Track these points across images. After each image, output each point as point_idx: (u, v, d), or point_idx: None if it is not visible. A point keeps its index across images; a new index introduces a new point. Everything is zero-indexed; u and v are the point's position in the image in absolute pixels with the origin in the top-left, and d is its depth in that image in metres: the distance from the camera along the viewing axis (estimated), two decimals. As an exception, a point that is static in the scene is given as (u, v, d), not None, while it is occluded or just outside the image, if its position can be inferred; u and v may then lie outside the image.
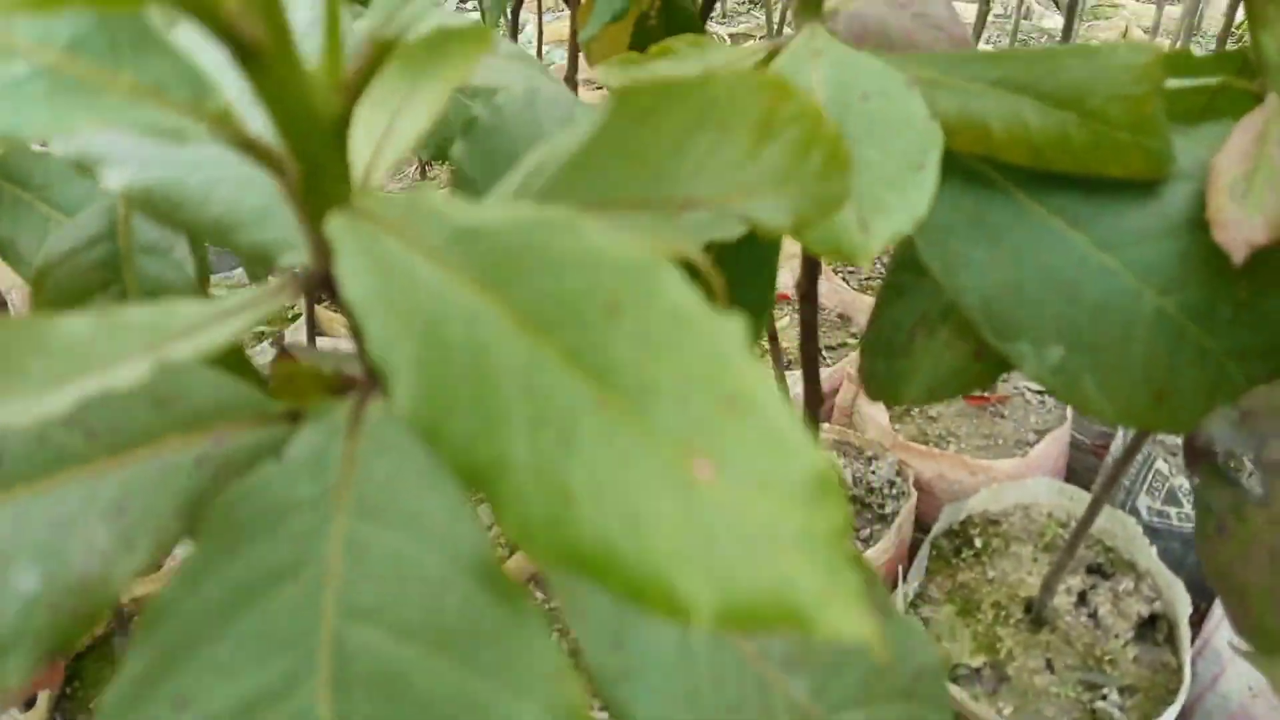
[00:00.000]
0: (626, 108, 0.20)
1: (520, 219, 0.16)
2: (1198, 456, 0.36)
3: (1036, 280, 0.36)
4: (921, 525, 0.93)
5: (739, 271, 0.32)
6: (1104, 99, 0.33)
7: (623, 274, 0.15)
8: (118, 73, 0.19)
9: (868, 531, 0.90)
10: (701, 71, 0.20)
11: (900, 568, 0.84)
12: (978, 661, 0.79)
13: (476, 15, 1.25)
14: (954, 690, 0.75)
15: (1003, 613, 0.81)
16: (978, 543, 0.87)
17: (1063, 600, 0.81)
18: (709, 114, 0.20)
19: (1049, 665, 0.78)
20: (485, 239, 0.16)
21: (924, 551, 0.85)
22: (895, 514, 0.90)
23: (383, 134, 0.21)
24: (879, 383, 0.40)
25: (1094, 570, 0.84)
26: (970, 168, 0.37)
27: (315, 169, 0.19)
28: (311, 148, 0.19)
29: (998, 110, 0.35)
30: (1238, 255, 0.31)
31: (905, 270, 0.42)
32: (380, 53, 0.19)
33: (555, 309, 0.15)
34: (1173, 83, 0.37)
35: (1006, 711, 0.76)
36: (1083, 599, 0.81)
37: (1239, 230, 0.31)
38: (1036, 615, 0.80)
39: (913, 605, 0.83)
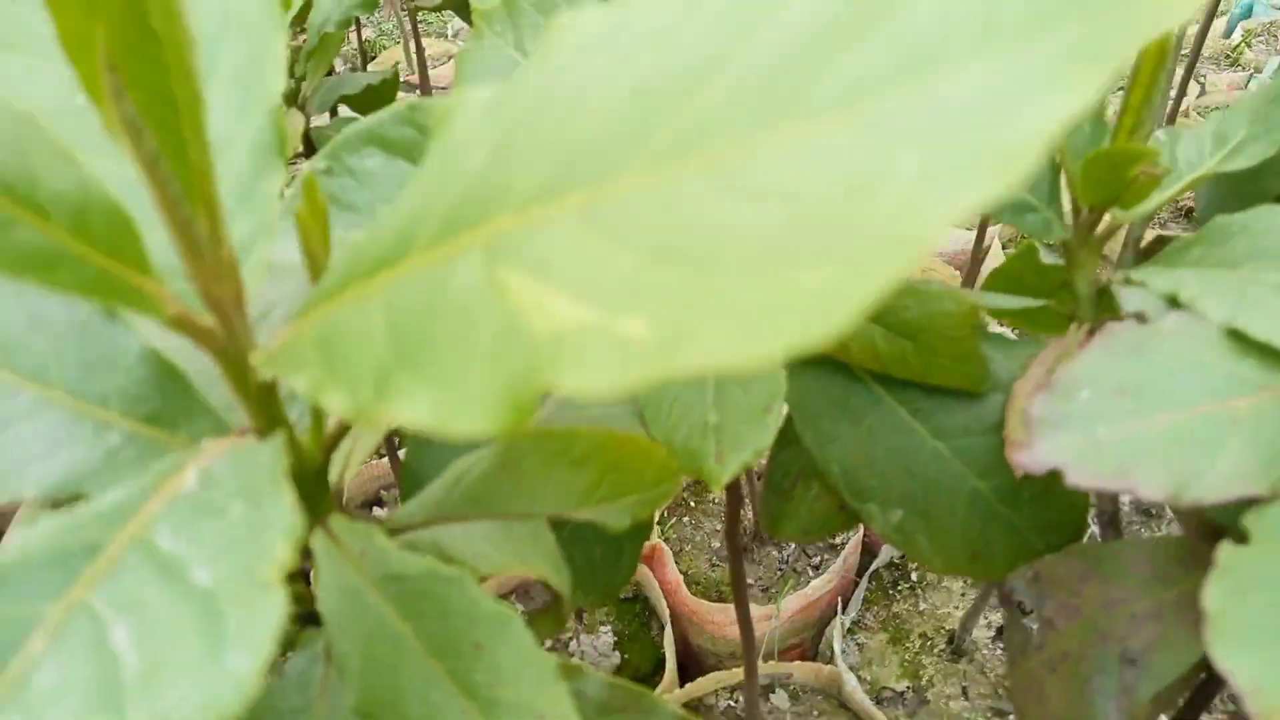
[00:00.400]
0: (513, 446, 0.30)
1: (428, 570, 0.26)
2: (1005, 600, 0.46)
3: (885, 457, 0.45)
4: (870, 552, 1.03)
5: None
6: (933, 335, 0.42)
7: (487, 622, 0.25)
8: (176, 431, 0.29)
9: (819, 559, 1.00)
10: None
11: (840, 598, 0.94)
12: (901, 686, 0.89)
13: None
14: (878, 710, 0.86)
15: (928, 642, 0.92)
16: (914, 576, 0.97)
17: (982, 633, 0.91)
18: (567, 455, 0.30)
19: (964, 692, 0.88)
20: (407, 581, 0.26)
21: (863, 583, 0.95)
22: (845, 543, 1.00)
23: (349, 452, 0.31)
24: (768, 518, 0.50)
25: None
26: (840, 363, 0.46)
27: (306, 496, 0.29)
28: (303, 486, 0.28)
29: (854, 331, 0.44)
30: (1018, 473, 0.41)
31: (792, 421, 0.51)
32: (348, 426, 0.28)
33: (445, 643, 0.25)
34: (1012, 300, 0.46)
35: (923, 731, 0.86)
36: (1000, 633, 0.91)
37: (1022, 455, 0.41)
38: (956, 647, 0.90)
39: (849, 632, 0.93)
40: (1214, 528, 0.38)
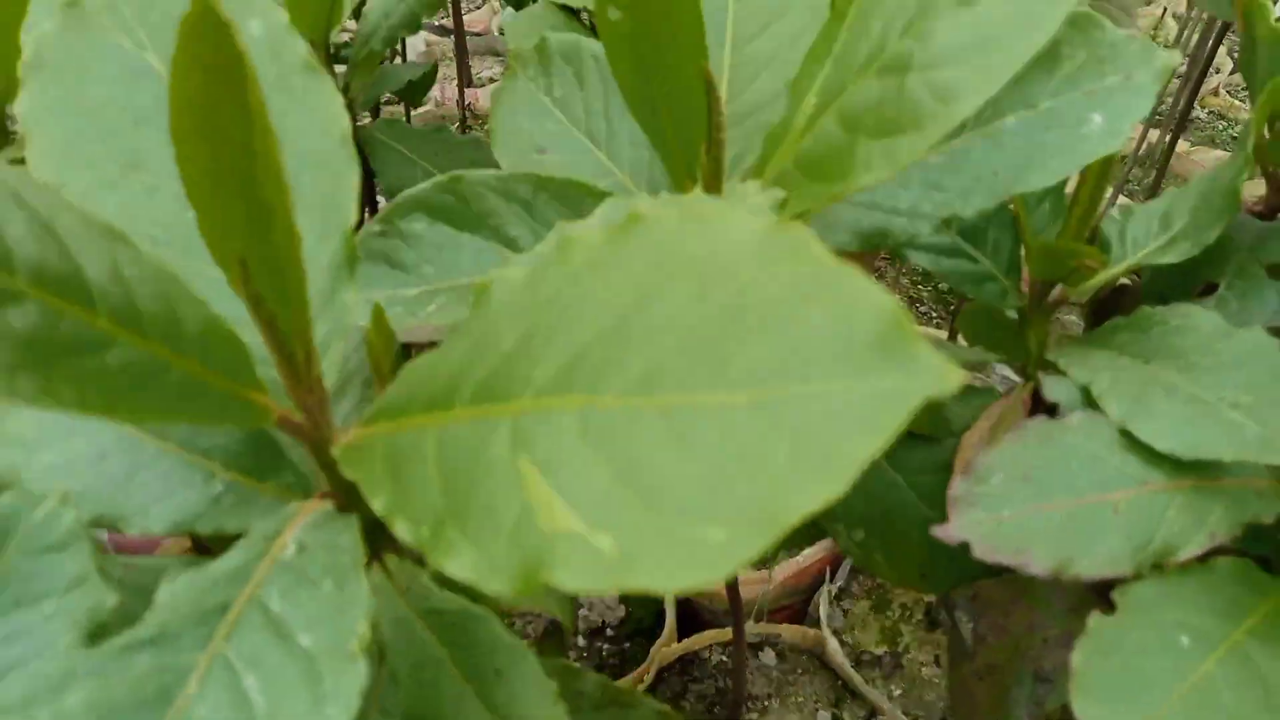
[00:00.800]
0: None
1: (461, 608, 0.34)
2: (948, 611, 0.53)
3: (851, 484, 0.52)
4: (862, 523, 1.10)
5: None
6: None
7: (506, 652, 0.33)
8: (264, 480, 0.36)
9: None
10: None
11: (828, 567, 1.02)
12: (880, 650, 0.98)
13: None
14: (856, 672, 0.95)
15: (907, 612, 1.00)
16: (900, 549, 1.04)
17: (958, 607, 0.99)
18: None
19: (936, 660, 0.97)
20: (445, 616, 0.34)
21: (852, 555, 1.03)
22: (838, 515, 1.07)
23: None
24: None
25: (990, 583, 1.01)
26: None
27: (368, 536, 0.36)
28: (366, 528, 0.36)
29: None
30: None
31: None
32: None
33: (473, 667, 0.33)
34: (970, 354, 0.52)
35: (896, 693, 0.95)
36: (975, 607, 0.99)
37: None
38: (933, 618, 0.98)
39: (836, 599, 1.01)
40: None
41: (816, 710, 0.94)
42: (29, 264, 0.24)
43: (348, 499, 0.33)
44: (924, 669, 0.96)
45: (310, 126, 0.34)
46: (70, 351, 0.24)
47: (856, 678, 0.94)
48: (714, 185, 0.46)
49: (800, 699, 0.96)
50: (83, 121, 0.34)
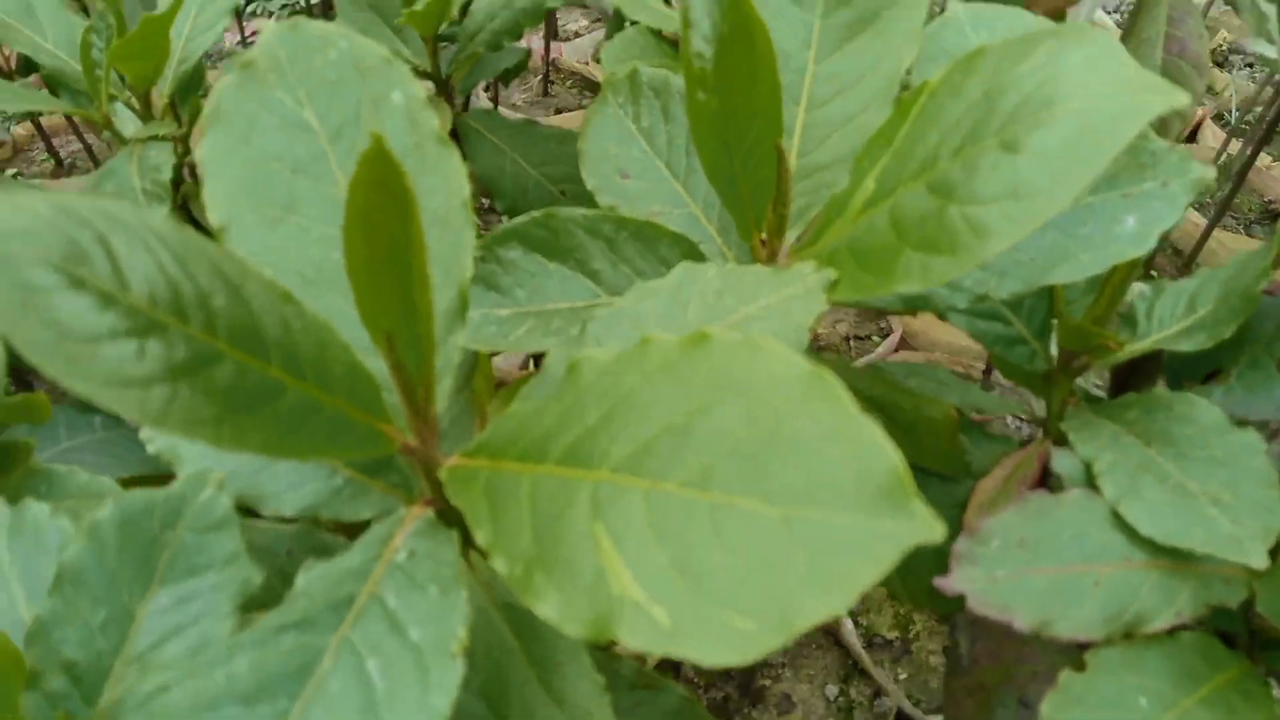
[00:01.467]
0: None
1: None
2: (953, 630, 0.59)
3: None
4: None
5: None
6: (921, 432, 0.54)
7: (565, 647, 0.40)
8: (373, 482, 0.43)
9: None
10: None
11: (853, 554, 1.08)
12: (892, 635, 1.04)
13: None
14: (866, 653, 1.02)
15: (922, 603, 1.06)
16: (922, 543, 1.10)
17: (970, 604, 1.05)
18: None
19: (944, 650, 1.03)
20: (517, 610, 0.41)
21: (876, 543, 1.09)
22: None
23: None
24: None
25: (1005, 584, 1.07)
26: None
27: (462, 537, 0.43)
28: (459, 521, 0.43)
29: (867, 414, 0.56)
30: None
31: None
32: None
33: (538, 657, 0.40)
34: (992, 401, 0.57)
35: (902, 677, 1.02)
36: (987, 606, 1.05)
37: (974, 534, 0.53)
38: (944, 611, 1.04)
39: (856, 583, 1.08)
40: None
41: (825, 684, 1.02)
42: (228, 327, 0.31)
43: (447, 506, 0.40)
44: (931, 657, 1.03)
45: (438, 188, 0.40)
46: (256, 400, 0.31)
47: (866, 658, 1.01)
48: (777, 237, 0.51)
49: (811, 671, 1.03)
50: (250, 167, 0.41)
